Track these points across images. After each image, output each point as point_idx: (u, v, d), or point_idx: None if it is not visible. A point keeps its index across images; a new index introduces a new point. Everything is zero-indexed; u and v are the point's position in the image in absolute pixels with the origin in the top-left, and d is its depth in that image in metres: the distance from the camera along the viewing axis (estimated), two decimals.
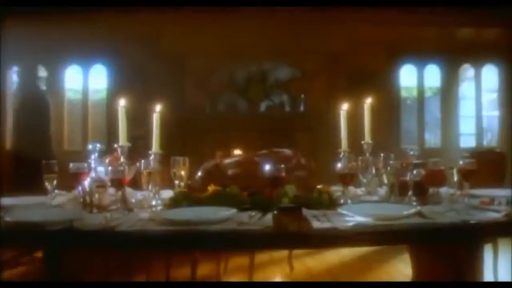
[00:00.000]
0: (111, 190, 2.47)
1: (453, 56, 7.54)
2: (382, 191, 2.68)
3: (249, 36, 6.74)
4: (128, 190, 2.71)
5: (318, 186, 2.58)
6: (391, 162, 2.50)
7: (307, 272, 4.56)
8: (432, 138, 8.26)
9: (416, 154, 2.63)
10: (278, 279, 4.42)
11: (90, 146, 2.80)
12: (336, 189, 2.61)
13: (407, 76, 7.76)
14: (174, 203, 2.39)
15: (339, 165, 2.44)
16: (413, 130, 7.84)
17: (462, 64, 7.82)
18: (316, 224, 1.96)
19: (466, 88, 8.07)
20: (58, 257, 2.10)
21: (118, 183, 2.36)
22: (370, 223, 1.98)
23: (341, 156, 2.62)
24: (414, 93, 7.91)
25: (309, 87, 7.17)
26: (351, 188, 2.72)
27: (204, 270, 4.02)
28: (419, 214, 2.09)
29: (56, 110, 7.00)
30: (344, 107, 2.66)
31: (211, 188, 2.40)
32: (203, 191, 2.44)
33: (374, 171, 2.67)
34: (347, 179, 2.39)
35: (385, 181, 2.47)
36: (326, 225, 1.96)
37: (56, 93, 7.23)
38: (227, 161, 2.63)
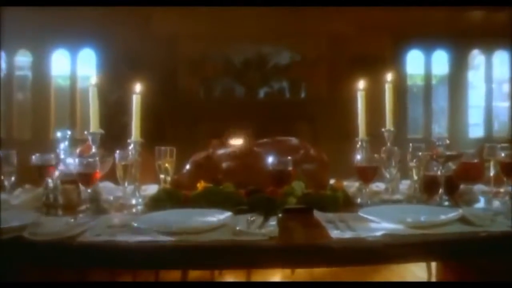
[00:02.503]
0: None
1: (462, 41, 7.15)
2: (403, 187, 2.29)
3: (247, 17, 6.34)
4: (108, 186, 2.32)
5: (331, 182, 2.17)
6: (420, 154, 2.07)
7: (309, 272, 4.18)
8: (436, 128, 7.95)
9: (446, 144, 2.22)
10: (277, 279, 4.08)
11: (58, 134, 2.38)
12: (347, 185, 2.25)
13: (414, 63, 7.39)
14: (155, 203, 1.96)
15: (358, 157, 2.01)
16: (419, 119, 7.49)
17: (472, 50, 7.41)
18: (334, 233, 1.53)
19: (475, 76, 7.69)
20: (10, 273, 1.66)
21: (87, 178, 1.93)
22: (403, 231, 1.55)
23: (358, 146, 2.18)
24: (421, 80, 7.53)
25: (311, 73, 6.82)
26: (358, 184, 2.34)
27: (197, 273, 3.64)
28: (462, 219, 1.67)
29: (43, 97, 6.72)
30: (361, 85, 2.23)
31: (200, 185, 1.97)
32: (192, 188, 2.02)
33: (394, 164, 2.25)
34: (368, 174, 1.96)
35: (415, 176, 2.04)
36: (348, 234, 1.53)
37: (42, 79, 6.87)
38: (221, 152, 2.19)
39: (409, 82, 7.48)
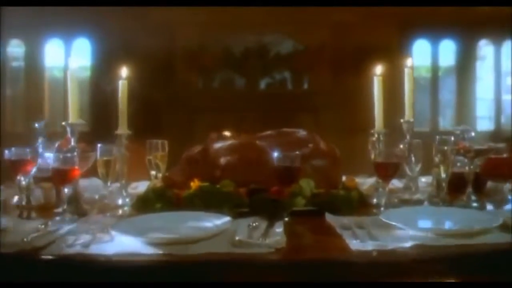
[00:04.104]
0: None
1: (470, 30, 6.94)
2: (421, 185, 2.06)
3: (247, 5, 6.08)
4: (95, 183, 2.06)
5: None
6: (446, 148, 1.81)
7: None
8: (442, 121, 7.75)
9: (471, 136, 1.98)
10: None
11: (36, 125, 2.12)
12: (358, 182, 2.03)
13: (420, 53, 7.18)
14: (143, 204, 1.70)
15: (376, 151, 1.76)
16: (426, 111, 7.28)
17: (480, 39, 7.18)
18: (354, 244, 1.27)
19: (483, 67, 7.47)
20: None
21: (63, 176, 1.68)
22: (435, 241, 1.29)
23: (374, 139, 1.93)
24: (426, 71, 7.31)
25: (314, 62, 6.64)
26: (370, 181, 2.15)
27: None
28: (504, 225, 1.41)
29: (36, 88, 6.56)
30: (378, 70, 1.97)
31: (194, 183, 1.71)
32: (185, 187, 1.76)
33: (414, 159, 2.00)
34: (388, 171, 1.69)
35: (442, 174, 1.78)
36: (369, 244, 1.27)
37: (35, 70, 6.68)
38: (219, 145, 1.93)
39: (415, 73, 7.28)
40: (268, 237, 1.32)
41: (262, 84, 6.82)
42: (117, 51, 6.36)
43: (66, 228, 1.49)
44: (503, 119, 7.55)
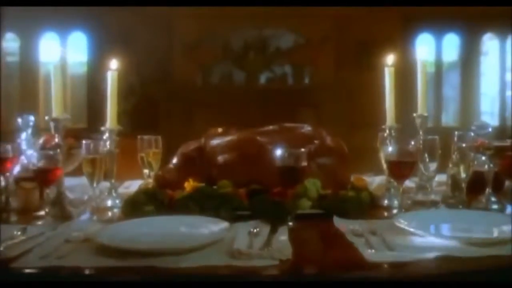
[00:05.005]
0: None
1: (474, 24, 6.90)
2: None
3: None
4: (85, 182, 1.90)
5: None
6: (464, 145, 1.67)
7: None
8: (444, 117, 7.65)
9: (488, 132, 1.83)
10: None
11: (19, 120, 1.99)
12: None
13: (424, 47, 7.06)
14: (131, 207, 1.54)
15: (389, 149, 1.60)
16: (429, 107, 7.16)
17: (484, 33, 7.11)
18: (368, 254, 1.12)
19: (488, 62, 7.35)
20: None
21: (44, 175, 1.54)
22: (463, 252, 1.13)
23: (385, 135, 1.77)
24: (431, 66, 7.20)
25: (315, 56, 6.60)
26: (377, 179, 2.00)
27: None
28: None
29: (31, 83, 6.48)
30: (390, 60, 1.82)
31: (189, 184, 1.55)
32: (179, 188, 1.61)
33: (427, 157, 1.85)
34: (403, 170, 1.54)
35: (462, 174, 1.62)
36: (387, 255, 1.12)
37: (30, 64, 6.58)
38: (216, 141, 1.77)
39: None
40: (271, 246, 1.17)
41: (262, 79, 6.79)
42: (114, 44, 6.28)
43: (46, 234, 1.34)
44: (507, 114, 7.48)
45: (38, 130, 2.03)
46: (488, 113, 7.22)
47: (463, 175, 1.61)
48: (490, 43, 7.34)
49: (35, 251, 1.18)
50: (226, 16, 6.29)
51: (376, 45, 6.26)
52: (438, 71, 7.06)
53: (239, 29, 6.65)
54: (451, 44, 7.11)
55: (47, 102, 5.98)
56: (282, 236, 1.26)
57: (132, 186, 2.02)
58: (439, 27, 6.95)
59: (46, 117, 1.69)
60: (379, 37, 6.37)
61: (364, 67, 6.19)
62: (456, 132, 1.69)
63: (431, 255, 1.10)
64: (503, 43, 7.04)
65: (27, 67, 6.55)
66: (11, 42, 6.83)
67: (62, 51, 1.82)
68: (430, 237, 1.23)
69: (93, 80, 6.20)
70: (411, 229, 1.27)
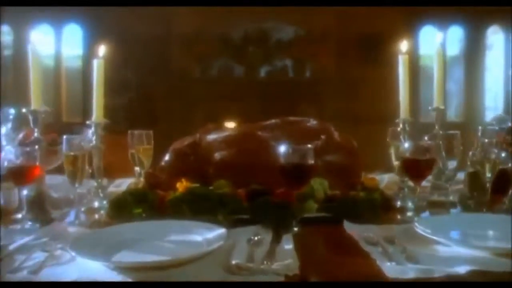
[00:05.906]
0: None
1: (479, 16, 6.71)
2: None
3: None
4: None
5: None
6: (487, 141, 1.51)
7: None
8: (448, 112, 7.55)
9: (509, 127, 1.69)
10: None
11: None
12: None
13: (427, 40, 6.97)
14: (118, 209, 1.39)
15: (405, 145, 1.44)
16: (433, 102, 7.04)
17: (489, 26, 6.97)
18: (388, 268, 0.96)
19: (492, 55, 7.25)
20: None
21: (21, 174, 1.38)
22: (498, 265, 0.98)
23: (399, 130, 1.62)
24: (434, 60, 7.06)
25: (316, 50, 6.46)
26: (384, 177, 1.92)
27: None
28: None
29: (23, 77, 6.31)
30: (404, 47, 1.67)
31: (182, 184, 1.39)
32: (172, 188, 1.45)
33: (444, 154, 1.70)
34: (422, 169, 1.38)
35: (487, 173, 1.47)
36: (410, 270, 0.96)
37: (22, 58, 6.46)
38: (213, 137, 1.61)
39: (421, 62, 7.11)
40: (275, 258, 1.01)
41: (262, 72, 6.67)
42: (110, 37, 6.15)
43: (20, 241, 1.19)
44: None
45: (20, 124, 1.88)
46: (492, 108, 7.13)
47: (488, 174, 1.45)
48: (494, 36, 7.26)
49: (7, 262, 1.03)
50: (225, 8, 6.10)
51: (378, 38, 6.21)
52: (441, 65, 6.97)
53: (239, 21, 6.54)
54: (455, 38, 6.91)
55: (42, 95, 5.85)
56: (287, 245, 1.10)
57: (123, 184, 1.90)
58: (442, 19, 6.68)
59: (24, 109, 1.53)
60: (381, 30, 6.23)
61: (366, 60, 6.10)
62: (480, 127, 1.53)
63: (461, 269, 0.94)
64: (508, 36, 6.94)
65: (20, 60, 6.49)
66: (5, 36, 6.69)
67: (37, 40, 1.68)
68: (455, 246, 1.07)
69: (89, 73, 6.09)
70: (435, 237, 1.11)
